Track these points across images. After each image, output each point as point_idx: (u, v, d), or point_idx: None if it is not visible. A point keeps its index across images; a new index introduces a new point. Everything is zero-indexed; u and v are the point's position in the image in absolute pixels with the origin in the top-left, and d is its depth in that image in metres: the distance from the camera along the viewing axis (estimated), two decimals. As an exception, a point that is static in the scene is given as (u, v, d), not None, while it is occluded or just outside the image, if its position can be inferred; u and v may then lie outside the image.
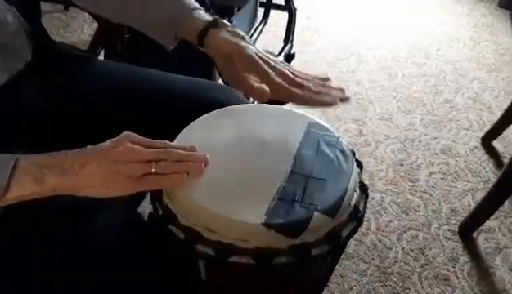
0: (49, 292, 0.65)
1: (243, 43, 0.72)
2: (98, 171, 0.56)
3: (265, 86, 0.68)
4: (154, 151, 0.59)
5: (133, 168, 0.57)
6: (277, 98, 0.70)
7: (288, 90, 0.69)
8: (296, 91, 0.69)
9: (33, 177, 0.55)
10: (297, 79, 0.71)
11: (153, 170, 0.58)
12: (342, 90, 0.72)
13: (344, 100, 0.73)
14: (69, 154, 0.57)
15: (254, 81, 0.69)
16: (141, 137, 0.60)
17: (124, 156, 0.57)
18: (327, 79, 0.73)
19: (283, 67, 0.72)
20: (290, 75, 0.71)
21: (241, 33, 0.74)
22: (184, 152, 0.61)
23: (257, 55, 0.71)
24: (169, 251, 0.65)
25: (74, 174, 0.56)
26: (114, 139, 0.59)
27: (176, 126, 0.69)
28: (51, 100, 0.79)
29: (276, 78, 0.69)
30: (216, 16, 0.75)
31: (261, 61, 0.70)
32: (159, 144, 0.61)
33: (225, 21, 0.75)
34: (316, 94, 0.70)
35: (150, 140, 0.61)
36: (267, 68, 0.70)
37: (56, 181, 0.55)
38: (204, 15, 0.76)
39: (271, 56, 0.73)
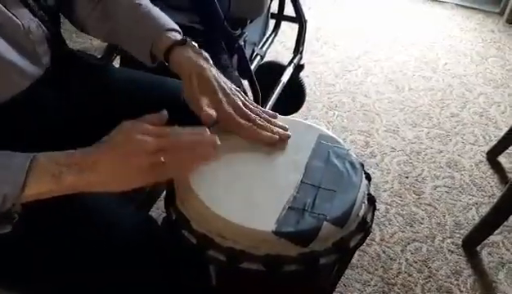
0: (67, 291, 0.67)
1: (204, 65, 0.75)
2: (110, 166, 0.57)
3: (213, 112, 0.70)
4: (162, 140, 0.59)
5: (142, 160, 0.57)
6: (224, 127, 0.72)
7: (235, 121, 0.72)
8: (242, 122, 0.72)
9: (52, 175, 0.55)
10: (246, 111, 0.73)
11: (162, 159, 0.58)
12: (285, 128, 0.74)
13: (284, 137, 0.73)
14: (83, 152, 0.58)
15: (206, 104, 0.70)
16: (148, 126, 0.60)
17: (133, 148, 0.58)
18: (275, 116, 0.76)
19: (237, 96, 0.74)
20: (241, 106, 0.73)
21: (205, 54, 0.77)
22: (193, 137, 0.62)
23: (215, 79, 0.74)
24: (181, 256, 0.67)
25: (89, 171, 0.57)
26: (122, 131, 0.59)
27: None
28: (69, 105, 0.81)
29: (227, 107, 0.72)
30: (186, 37, 0.78)
31: (217, 87, 0.73)
32: (168, 130, 0.61)
33: (193, 42, 0.78)
34: (260, 129, 0.72)
35: (158, 127, 0.61)
36: (221, 95, 0.72)
37: (74, 179, 0.56)
38: (176, 35, 0.79)
39: (228, 83, 0.76)
